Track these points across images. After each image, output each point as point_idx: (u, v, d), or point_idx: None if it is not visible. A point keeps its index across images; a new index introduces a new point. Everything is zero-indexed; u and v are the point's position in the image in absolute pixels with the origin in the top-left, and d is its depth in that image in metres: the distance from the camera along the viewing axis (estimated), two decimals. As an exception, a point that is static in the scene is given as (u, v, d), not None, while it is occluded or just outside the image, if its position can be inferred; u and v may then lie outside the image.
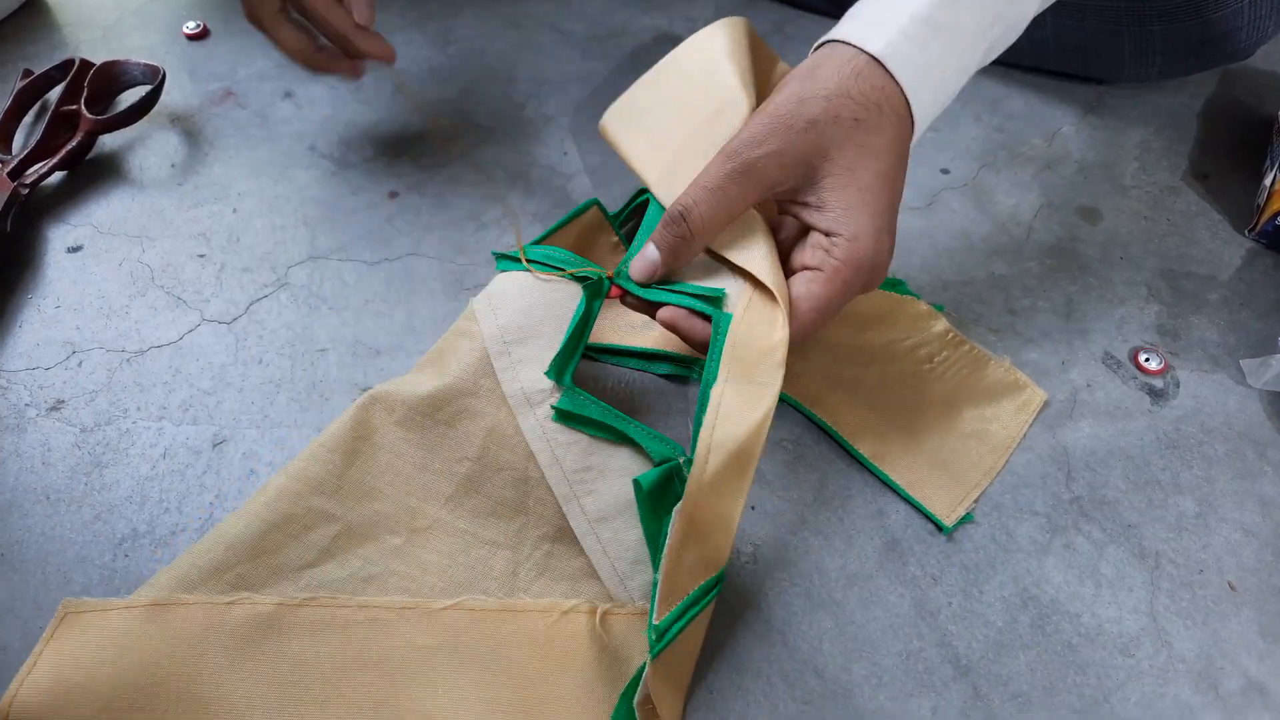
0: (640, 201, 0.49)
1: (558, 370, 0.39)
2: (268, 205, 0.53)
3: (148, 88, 0.54)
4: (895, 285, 0.49)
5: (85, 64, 0.56)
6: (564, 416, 0.39)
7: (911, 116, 0.38)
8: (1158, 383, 0.48)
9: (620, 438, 0.39)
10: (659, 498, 0.35)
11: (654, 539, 0.36)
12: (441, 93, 0.61)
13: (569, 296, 0.41)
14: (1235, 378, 0.49)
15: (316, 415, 0.43)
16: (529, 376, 0.40)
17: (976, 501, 0.43)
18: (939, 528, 0.42)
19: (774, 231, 0.41)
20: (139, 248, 0.50)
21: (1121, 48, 0.61)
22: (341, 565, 0.36)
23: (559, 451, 0.39)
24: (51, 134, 0.53)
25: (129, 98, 0.57)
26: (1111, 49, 0.61)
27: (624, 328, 0.47)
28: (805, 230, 0.40)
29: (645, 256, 0.40)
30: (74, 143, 0.52)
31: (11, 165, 0.50)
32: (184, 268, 0.49)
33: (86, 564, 0.38)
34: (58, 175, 0.53)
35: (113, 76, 0.56)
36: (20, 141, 0.55)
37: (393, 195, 0.54)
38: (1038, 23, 0.62)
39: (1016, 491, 0.43)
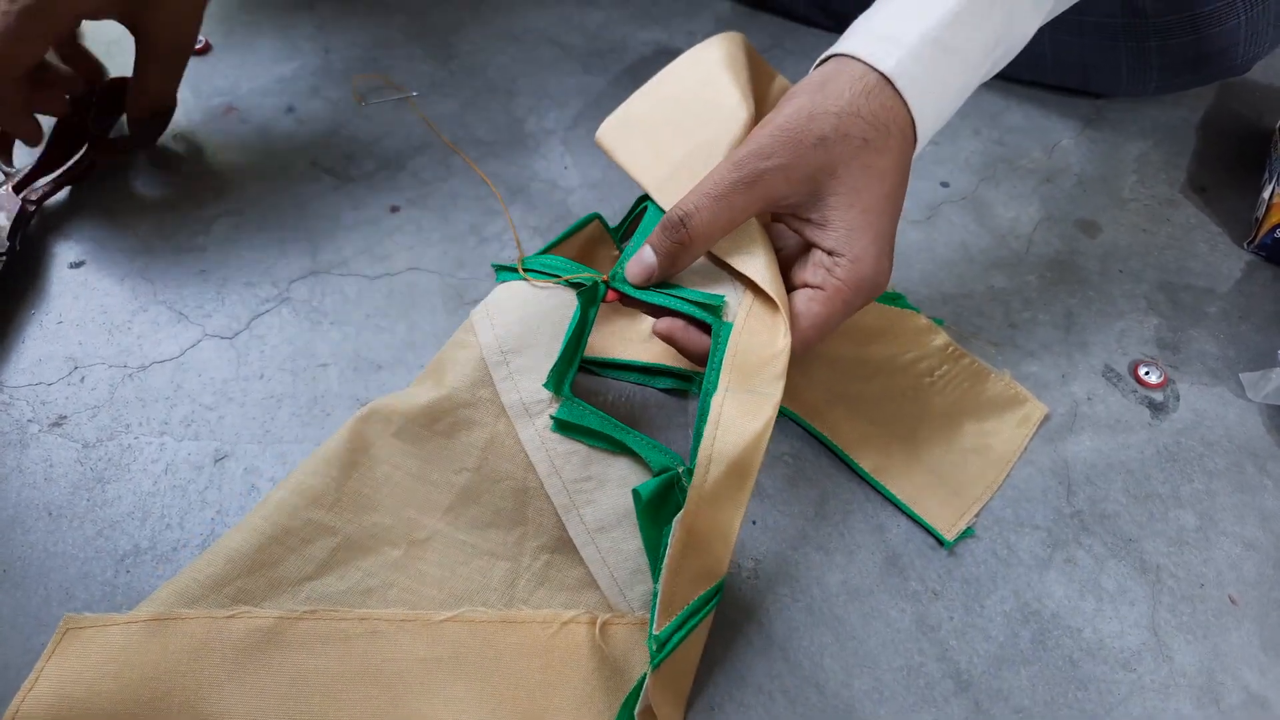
0: (640, 209, 0.49)
1: (556, 380, 0.39)
2: (269, 220, 0.53)
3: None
4: (895, 299, 0.49)
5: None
6: (563, 427, 0.39)
7: (915, 136, 0.39)
8: (1157, 396, 0.48)
9: (619, 448, 0.39)
10: (658, 507, 0.36)
11: (653, 549, 0.36)
12: (443, 107, 0.61)
13: (565, 304, 0.41)
14: (1235, 391, 0.49)
15: (318, 430, 0.43)
16: (527, 387, 0.40)
17: (977, 516, 0.43)
18: (940, 542, 0.42)
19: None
20: (141, 263, 0.50)
21: (1119, 63, 0.61)
22: (341, 578, 0.36)
23: (558, 461, 0.39)
24: (57, 146, 0.53)
25: None
26: (1109, 64, 0.61)
27: (624, 341, 0.47)
28: (805, 245, 0.40)
29: (641, 259, 0.39)
30: (81, 159, 0.52)
31: (16, 179, 0.50)
32: (185, 283, 0.49)
33: (88, 580, 0.38)
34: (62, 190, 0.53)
35: (120, 91, 0.56)
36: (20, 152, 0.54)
37: (394, 209, 0.54)
38: (1036, 38, 0.62)
39: (1017, 505, 0.43)
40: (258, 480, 0.42)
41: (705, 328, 0.39)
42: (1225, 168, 0.62)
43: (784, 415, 0.45)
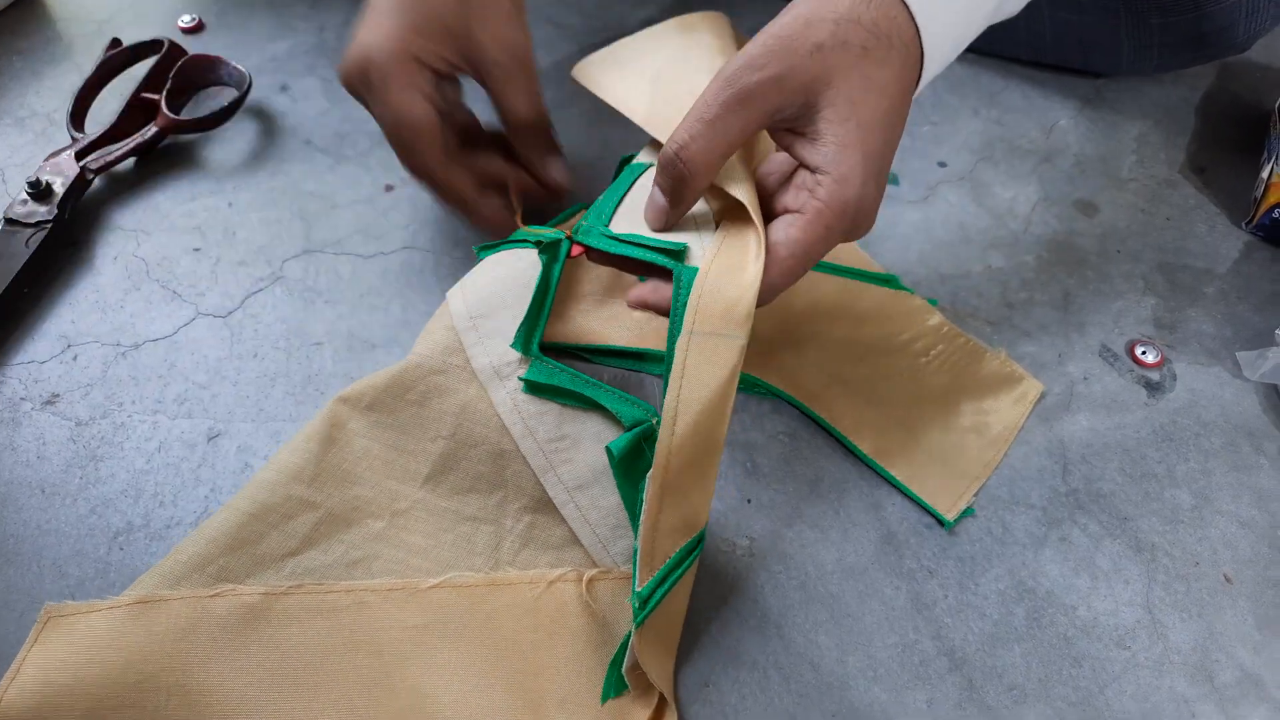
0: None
1: (524, 340, 0.39)
2: (263, 199, 0.53)
3: (234, 92, 0.55)
4: (888, 281, 0.49)
5: (174, 48, 0.56)
6: (533, 388, 0.39)
7: (921, 55, 0.36)
8: (1154, 375, 0.48)
9: (591, 404, 0.38)
10: (632, 462, 0.35)
11: (631, 504, 0.35)
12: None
13: (532, 266, 0.41)
14: (1232, 370, 0.49)
15: (311, 409, 0.43)
16: (497, 350, 0.39)
17: (976, 495, 0.43)
18: (940, 522, 0.42)
19: (756, 169, 0.39)
20: (134, 242, 0.50)
21: (1119, 41, 0.60)
22: (325, 551, 0.36)
23: (531, 423, 0.39)
24: (127, 119, 0.53)
25: (211, 94, 0.58)
26: (1109, 42, 0.61)
27: (619, 327, 0.47)
28: (793, 170, 0.37)
29: (653, 201, 0.37)
30: (148, 136, 0.52)
31: (80, 145, 0.50)
32: (179, 262, 0.49)
33: (81, 558, 0.38)
34: (125, 163, 0.53)
35: (201, 72, 0.56)
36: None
37: (388, 189, 0.54)
38: (1036, 16, 0.62)
39: (1013, 484, 0.43)
40: (251, 458, 0.41)
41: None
42: (1224, 148, 0.62)
43: (780, 398, 0.45)
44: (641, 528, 0.33)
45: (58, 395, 0.43)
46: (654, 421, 0.35)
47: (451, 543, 0.38)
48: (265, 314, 0.47)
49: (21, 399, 0.43)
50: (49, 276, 0.47)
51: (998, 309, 0.51)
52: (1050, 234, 0.55)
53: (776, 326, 0.47)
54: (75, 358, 0.44)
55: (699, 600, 0.38)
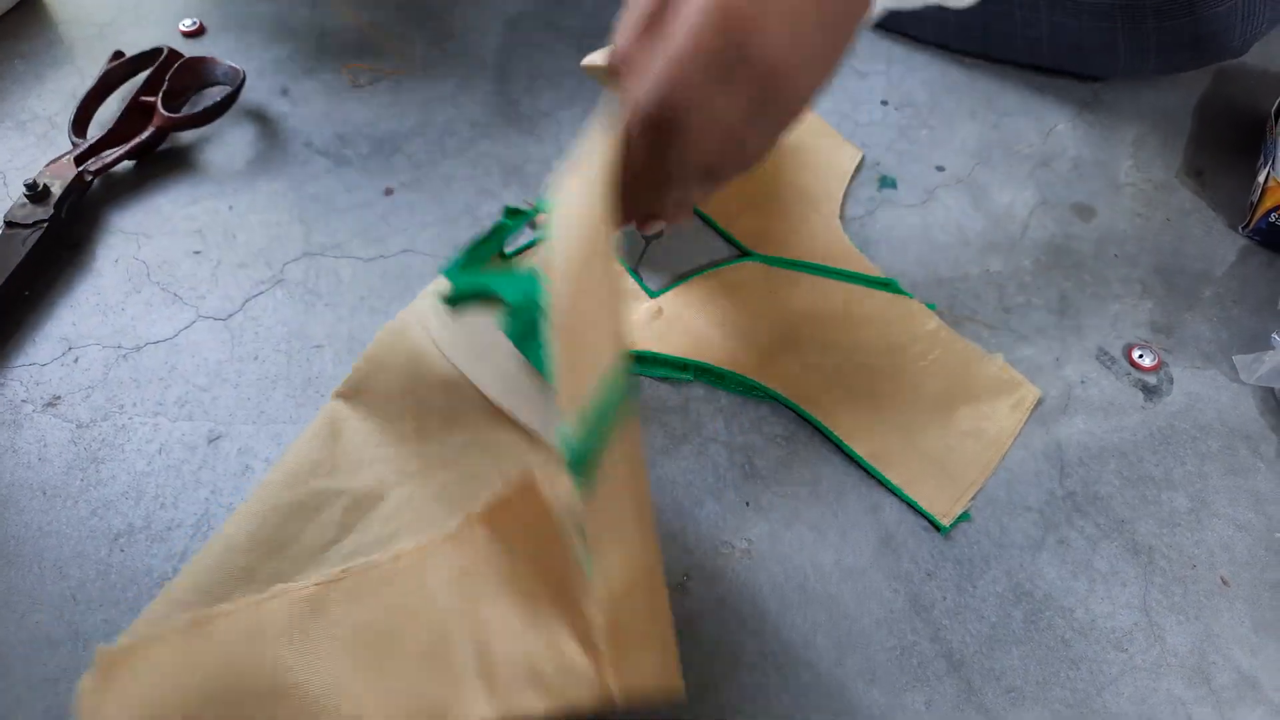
0: None
1: (452, 268, 0.39)
2: (263, 202, 0.53)
3: (227, 88, 0.56)
4: (886, 284, 0.49)
5: (173, 54, 0.57)
6: (453, 300, 0.39)
7: None
8: (1151, 379, 0.48)
9: (496, 297, 0.37)
10: (530, 334, 0.35)
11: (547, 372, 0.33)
12: (436, 89, 0.61)
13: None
14: (1228, 374, 0.49)
15: (312, 411, 0.43)
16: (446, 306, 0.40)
17: (973, 500, 0.43)
18: (936, 527, 0.42)
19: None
20: (135, 244, 0.50)
21: (1116, 44, 0.61)
22: (363, 533, 0.37)
23: (459, 338, 0.40)
24: (125, 123, 0.54)
25: (209, 95, 0.59)
26: (1106, 46, 0.61)
27: None
28: None
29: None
30: (145, 136, 0.53)
31: (80, 150, 0.51)
32: (180, 264, 0.49)
33: (82, 559, 0.38)
34: (124, 165, 0.54)
35: (196, 73, 0.58)
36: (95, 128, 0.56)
37: (388, 192, 0.54)
38: (1033, 19, 0.62)
39: (1010, 487, 0.44)
40: (252, 461, 0.42)
41: None
42: (1221, 152, 0.62)
43: (778, 401, 0.45)
44: (555, 375, 0.29)
45: (59, 397, 0.43)
46: (540, 286, 0.32)
47: (458, 480, 0.39)
48: (266, 317, 0.47)
49: (23, 401, 0.43)
50: (50, 279, 0.48)
51: (995, 313, 0.51)
52: (1048, 238, 0.55)
53: (775, 330, 0.47)
54: (76, 360, 0.44)
55: (698, 602, 0.39)
